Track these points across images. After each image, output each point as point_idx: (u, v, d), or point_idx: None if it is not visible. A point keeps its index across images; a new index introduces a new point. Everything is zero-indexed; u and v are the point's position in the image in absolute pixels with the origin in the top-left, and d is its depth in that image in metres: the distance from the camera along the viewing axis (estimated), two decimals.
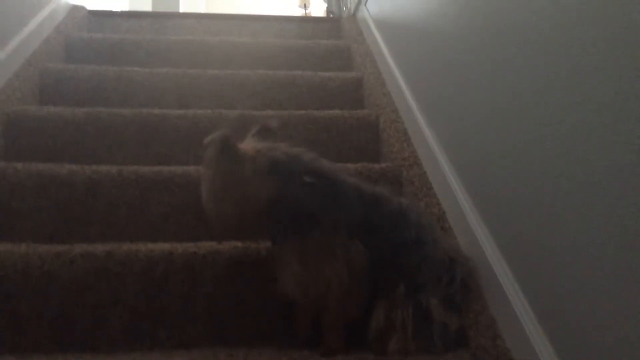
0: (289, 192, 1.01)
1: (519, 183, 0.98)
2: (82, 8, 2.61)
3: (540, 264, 0.91)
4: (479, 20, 1.18)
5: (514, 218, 1.01)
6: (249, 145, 1.06)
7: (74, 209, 1.41)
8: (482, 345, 1.01)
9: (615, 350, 0.71)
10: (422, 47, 1.61)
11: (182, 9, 5.26)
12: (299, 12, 6.71)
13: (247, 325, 1.17)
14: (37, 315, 1.13)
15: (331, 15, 3.29)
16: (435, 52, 1.49)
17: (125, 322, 1.14)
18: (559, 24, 0.85)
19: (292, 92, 2.06)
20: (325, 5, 3.67)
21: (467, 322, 1.08)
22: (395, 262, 1.07)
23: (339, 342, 1.05)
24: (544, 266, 0.89)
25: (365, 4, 2.53)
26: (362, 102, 2.10)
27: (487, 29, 1.14)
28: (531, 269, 0.94)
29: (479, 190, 1.17)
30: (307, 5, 6.63)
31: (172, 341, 1.14)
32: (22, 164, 1.45)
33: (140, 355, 1.06)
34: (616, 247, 0.71)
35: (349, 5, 2.94)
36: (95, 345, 1.13)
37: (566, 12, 0.83)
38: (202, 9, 6.55)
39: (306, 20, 2.96)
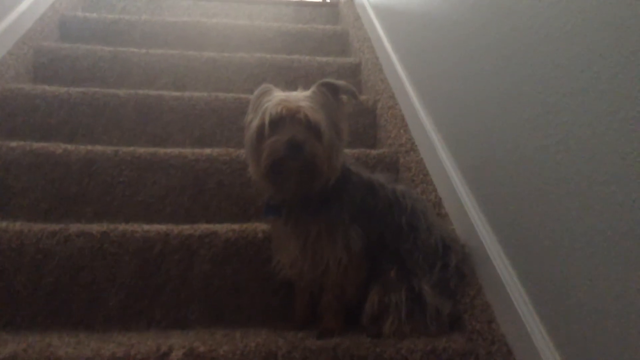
0: None
1: (517, 170, 0.99)
2: None
3: (536, 250, 0.92)
4: (480, 5, 1.18)
5: (510, 205, 1.01)
6: None
7: (70, 188, 1.40)
8: (477, 330, 1.02)
9: (610, 335, 0.72)
10: (421, 33, 1.60)
11: None
12: None
13: (243, 307, 1.18)
14: (32, 293, 1.13)
15: (328, 0, 3.26)
16: (434, 38, 1.48)
17: (121, 302, 1.14)
18: (563, 11, 0.85)
19: (290, 76, 2.05)
20: None
21: (462, 307, 1.09)
22: (390, 247, 1.09)
23: (336, 324, 1.06)
24: (540, 252, 0.90)
25: None
26: (359, 88, 2.10)
27: (488, 15, 1.13)
28: (527, 254, 0.95)
29: (476, 177, 1.18)
30: None
31: (168, 321, 1.15)
32: (17, 142, 1.44)
33: (136, 334, 1.06)
34: (614, 234, 0.72)
35: None
36: (91, 323, 1.13)
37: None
38: None
39: (303, 4, 2.93)
